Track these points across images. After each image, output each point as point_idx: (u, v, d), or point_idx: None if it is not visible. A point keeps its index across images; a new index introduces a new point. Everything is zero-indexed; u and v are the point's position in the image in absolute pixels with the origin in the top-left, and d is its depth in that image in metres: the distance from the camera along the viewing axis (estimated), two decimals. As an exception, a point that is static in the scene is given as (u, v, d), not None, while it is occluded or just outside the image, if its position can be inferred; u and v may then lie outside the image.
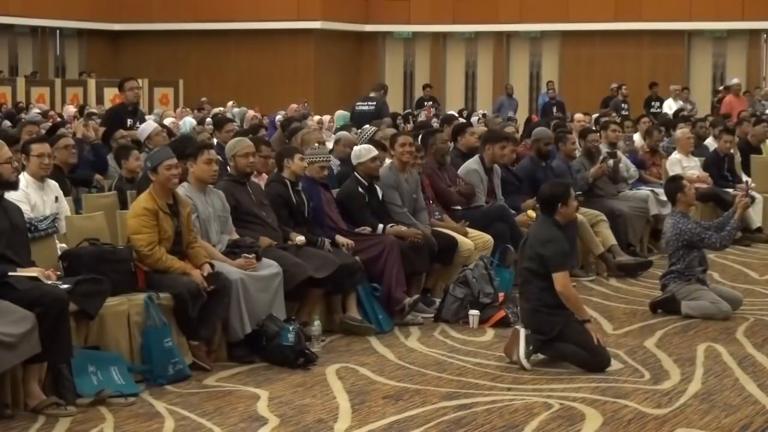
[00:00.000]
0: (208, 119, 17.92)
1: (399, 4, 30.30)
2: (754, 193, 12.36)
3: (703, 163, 13.72)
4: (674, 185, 9.37)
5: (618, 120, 16.38)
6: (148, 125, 11.25)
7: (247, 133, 11.89)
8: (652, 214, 12.11)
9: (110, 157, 10.66)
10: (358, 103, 17.15)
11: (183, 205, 7.58)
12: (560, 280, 7.41)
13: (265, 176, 9.32)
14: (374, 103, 16.90)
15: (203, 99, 24.93)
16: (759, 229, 13.27)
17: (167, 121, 14.91)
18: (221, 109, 21.38)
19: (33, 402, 6.31)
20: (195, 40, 30.39)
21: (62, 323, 6.35)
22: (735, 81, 23.19)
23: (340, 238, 8.70)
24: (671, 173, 12.52)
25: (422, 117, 20.04)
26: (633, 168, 12.56)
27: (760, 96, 22.67)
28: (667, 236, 9.33)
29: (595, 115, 18.12)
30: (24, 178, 7.88)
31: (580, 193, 11.38)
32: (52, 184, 8.11)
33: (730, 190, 13.12)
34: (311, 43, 29.77)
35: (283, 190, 8.62)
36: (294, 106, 20.05)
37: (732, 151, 13.91)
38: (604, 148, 12.25)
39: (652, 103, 23.10)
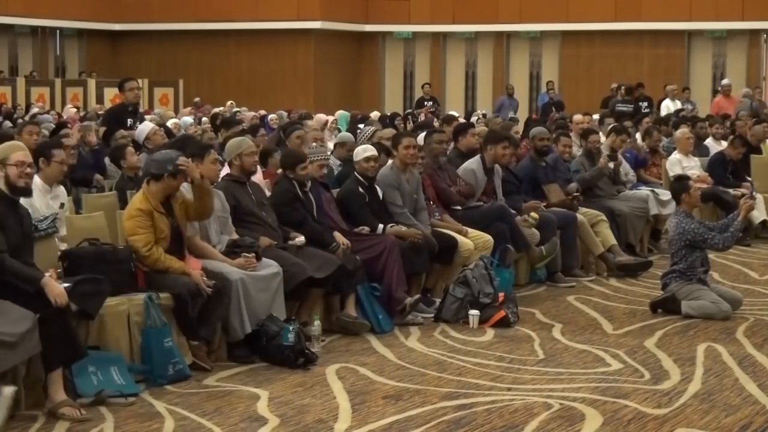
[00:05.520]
0: (205, 119, 17.90)
1: (399, 4, 30.29)
2: (755, 194, 12.38)
3: (708, 163, 13.72)
4: (680, 185, 9.36)
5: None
6: (145, 126, 11.27)
7: (245, 132, 11.89)
8: (652, 214, 12.11)
9: (106, 159, 10.64)
10: (618, 104, 21.35)
11: (174, 200, 7.56)
12: None
13: (262, 178, 9.33)
14: (632, 105, 21.17)
15: (196, 99, 24.91)
16: (765, 222, 13.21)
17: (170, 123, 14.89)
18: (222, 108, 21.36)
19: (50, 404, 6.30)
20: (195, 40, 30.39)
21: (70, 323, 6.37)
22: (725, 82, 23.26)
23: (338, 237, 8.69)
24: (671, 173, 12.55)
25: (422, 117, 20.08)
26: (631, 173, 12.58)
27: (741, 96, 22.74)
28: (670, 235, 9.33)
29: (596, 116, 18.12)
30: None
31: (578, 193, 11.40)
32: (61, 191, 8.11)
33: (731, 190, 13.13)
34: (311, 43, 29.77)
35: (292, 187, 8.63)
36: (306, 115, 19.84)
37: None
38: (605, 151, 12.22)
39: (640, 103, 23.07)
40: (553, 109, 22.80)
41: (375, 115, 18.43)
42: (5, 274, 6.30)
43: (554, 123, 16.21)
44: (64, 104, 24.60)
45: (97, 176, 10.25)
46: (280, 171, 9.73)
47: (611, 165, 11.88)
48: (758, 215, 13.12)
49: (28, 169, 6.62)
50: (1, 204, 6.48)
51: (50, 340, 6.25)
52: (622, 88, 23.02)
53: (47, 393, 6.33)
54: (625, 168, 12.48)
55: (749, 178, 13.69)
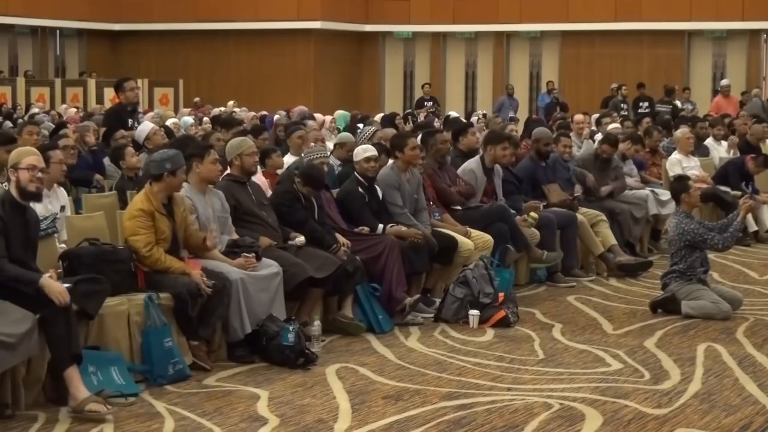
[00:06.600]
0: (206, 118, 17.89)
1: (399, 4, 30.29)
2: (756, 197, 12.41)
3: (726, 163, 13.71)
4: (680, 185, 9.36)
5: (619, 120, 16.41)
6: (145, 126, 11.27)
7: (247, 133, 11.89)
8: (652, 214, 12.10)
9: (106, 160, 10.63)
10: (658, 105, 21.71)
11: (176, 204, 7.56)
12: None
13: (262, 177, 9.32)
14: (671, 105, 21.49)
15: (196, 99, 24.91)
16: (757, 233, 13.21)
17: (170, 123, 14.88)
18: (222, 109, 21.34)
19: (74, 402, 6.28)
20: (195, 40, 30.39)
21: (73, 319, 6.38)
22: (724, 82, 23.29)
23: (338, 238, 8.69)
24: (671, 173, 12.53)
25: (422, 117, 20.05)
26: (635, 178, 12.52)
27: (752, 96, 22.78)
28: (669, 235, 9.34)
29: (595, 116, 18.13)
30: None
31: (579, 193, 11.38)
32: (61, 193, 8.09)
33: (730, 191, 13.12)
34: (311, 43, 29.77)
35: (292, 188, 8.63)
36: (303, 108, 19.88)
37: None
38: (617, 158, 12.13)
39: (640, 104, 23.09)
40: (558, 109, 22.80)
41: (379, 117, 18.42)
42: (3, 279, 6.29)
43: (555, 122, 16.19)
44: (64, 104, 24.54)
45: (97, 176, 10.25)
46: (281, 171, 9.74)
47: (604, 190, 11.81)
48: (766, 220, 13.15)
49: (40, 174, 6.60)
50: (8, 208, 6.47)
51: (56, 338, 6.25)
52: (664, 88, 23.00)
53: (68, 392, 6.30)
54: (630, 170, 12.45)
55: (757, 187, 13.66)
